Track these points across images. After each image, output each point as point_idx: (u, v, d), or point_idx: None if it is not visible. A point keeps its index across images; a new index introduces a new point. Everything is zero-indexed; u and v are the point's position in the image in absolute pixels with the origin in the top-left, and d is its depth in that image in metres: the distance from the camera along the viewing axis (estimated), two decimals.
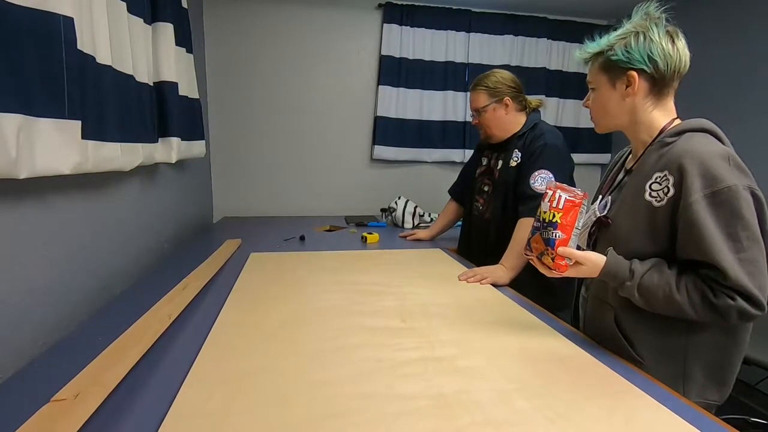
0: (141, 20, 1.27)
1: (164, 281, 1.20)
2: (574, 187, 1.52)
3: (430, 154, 2.78)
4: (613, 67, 0.89)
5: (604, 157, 3.02)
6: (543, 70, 2.82)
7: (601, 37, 0.93)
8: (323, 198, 2.72)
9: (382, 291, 1.20)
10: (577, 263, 0.84)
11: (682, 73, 0.86)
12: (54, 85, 0.79)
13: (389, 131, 2.67)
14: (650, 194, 0.83)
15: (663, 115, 0.89)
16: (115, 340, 0.82)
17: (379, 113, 2.65)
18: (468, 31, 2.70)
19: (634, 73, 0.86)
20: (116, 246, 1.26)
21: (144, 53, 1.29)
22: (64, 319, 0.97)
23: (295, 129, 2.63)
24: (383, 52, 2.60)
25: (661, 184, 0.81)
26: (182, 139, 1.60)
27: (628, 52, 0.85)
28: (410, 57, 2.64)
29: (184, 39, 1.65)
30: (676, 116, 0.90)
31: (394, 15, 2.57)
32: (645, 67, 0.85)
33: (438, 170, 2.84)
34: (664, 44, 0.84)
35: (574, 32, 2.84)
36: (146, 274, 1.36)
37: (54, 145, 0.79)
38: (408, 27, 2.61)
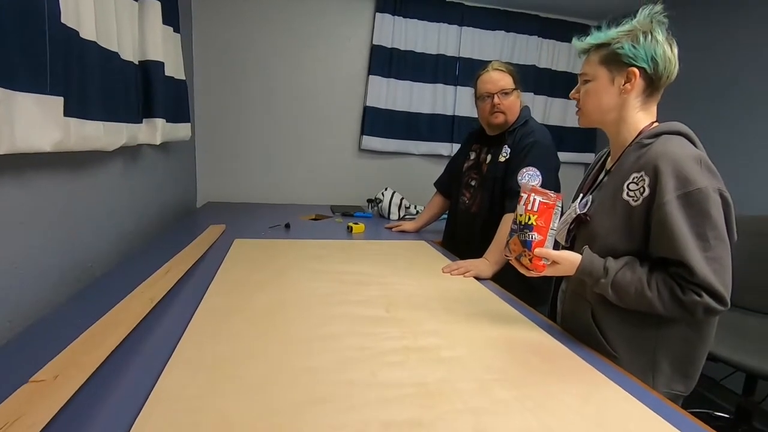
0: None
1: (146, 264, 1.19)
2: (559, 185, 1.55)
3: (418, 147, 2.78)
4: (616, 61, 0.89)
5: (588, 157, 3.07)
6: (532, 68, 2.84)
7: (599, 31, 0.93)
8: (309, 186, 2.70)
9: (367, 281, 1.20)
10: (554, 262, 0.87)
11: (671, 80, 0.89)
12: (36, 59, 0.76)
13: (378, 122, 2.66)
14: (627, 194, 0.86)
15: (645, 117, 0.91)
16: (94, 322, 0.81)
17: (369, 103, 2.63)
18: (460, 25, 2.70)
19: (636, 70, 0.87)
20: (97, 227, 1.23)
21: (130, 30, 1.26)
22: (41, 300, 0.95)
23: (283, 115, 2.59)
24: (375, 42, 2.58)
25: (637, 184, 0.84)
26: (167, 121, 1.57)
27: (634, 47, 0.86)
28: (402, 48, 2.62)
29: (171, 18, 1.61)
30: (656, 120, 0.92)
31: (387, 4, 2.55)
32: (646, 66, 0.87)
33: (425, 163, 2.85)
34: (665, 47, 0.86)
35: (565, 31, 2.86)
36: (127, 257, 1.33)
37: (35, 121, 0.76)
38: (401, 17, 2.59)
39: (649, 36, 0.86)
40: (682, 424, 0.63)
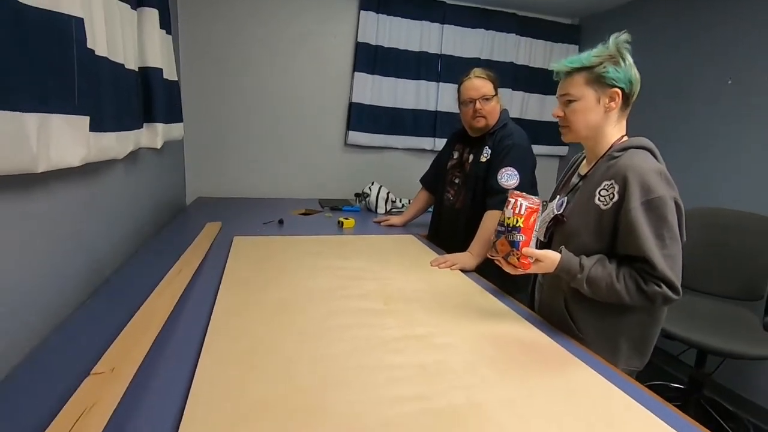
0: (128, 6, 1.28)
1: (149, 262, 1.28)
2: (536, 182, 1.68)
3: (402, 141, 2.88)
4: (600, 83, 1.00)
5: (563, 149, 3.24)
6: (511, 65, 2.96)
7: (577, 53, 1.05)
8: (297, 180, 2.77)
9: (364, 276, 1.31)
10: (537, 260, 0.99)
11: (636, 97, 1.02)
12: (67, 83, 0.82)
13: (363, 117, 2.74)
14: (599, 199, 0.99)
15: (617, 131, 1.05)
16: (118, 319, 0.90)
17: (354, 99, 2.71)
18: (442, 23, 2.78)
19: (619, 91, 1.00)
20: (104, 230, 1.30)
21: (131, 39, 1.31)
22: (66, 301, 1.03)
23: (270, 110, 2.64)
24: (359, 39, 2.65)
25: (608, 191, 0.97)
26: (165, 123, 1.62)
27: (617, 71, 0.98)
28: (385, 45, 2.70)
29: (165, 21, 1.64)
30: (625, 133, 1.06)
31: (370, 3, 2.61)
32: (625, 87, 0.99)
33: (408, 157, 2.96)
34: (635, 70, 0.99)
35: (541, 29, 2.99)
36: (131, 257, 1.40)
37: (66, 140, 0.83)
38: (384, 15, 2.66)
39: (627, 60, 0.99)
40: (636, 395, 0.77)
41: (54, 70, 0.79)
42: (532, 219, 0.97)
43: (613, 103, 1.01)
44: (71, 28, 0.81)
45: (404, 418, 0.66)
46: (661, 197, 0.91)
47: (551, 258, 0.99)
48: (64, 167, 0.85)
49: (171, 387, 0.70)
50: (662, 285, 0.91)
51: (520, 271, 1.00)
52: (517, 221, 0.96)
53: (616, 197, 0.96)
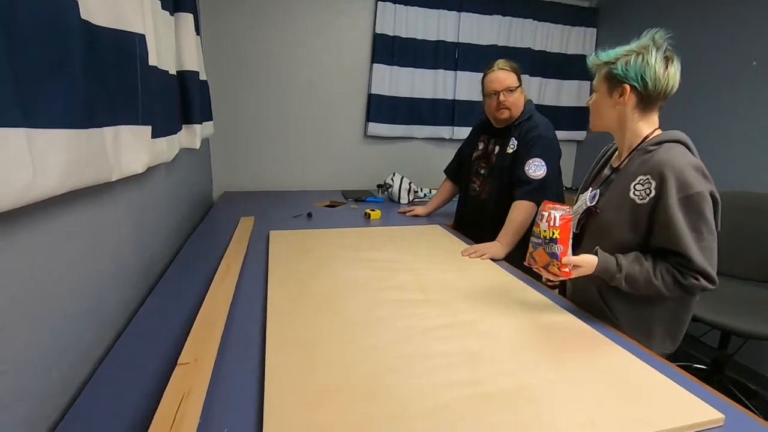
0: (168, 13, 1.33)
1: (194, 258, 1.36)
2: (560, 172, 1.71)
3: (421, 131, 2.91)
4: (613, 78, 1.05)
5: (581, 134, 3.23)
6: (528, 51, 2.96)
7: (606, 49, 1.08)
8: (319, 172, 2.83)
9: (398, 267, 1.37)
10: (576, 266, 1.00)
11: (669, 94, 1.03)
12: (132, 96, 0.89)
13: (383, 108, 2.77)
14: (634, 193, 1.02)
15: (647, 126, 1.07)
16: (178, 313, 0.99)
17: (373, 91, 2.74)
18: (459, 11, 2.78)
19: (627, 87, 1.03)
20: (154, 229, 1.37)
21: (171, 45, 1.36)
22: (132, 297, 1.11)
23: (290, 104, 2.69)
24: (377, 31, 2.67)
25: (644, 186, 1.00)
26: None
27: (626, 68, 1.02)
28: (403, 36, 2.71)
29: (196, 23, 1.69)
30: (657, 127, 1.08)
31: None
32: (636, 84, 1.02)
33: (428, 146, 2.99)
34: (657, 68, 1.00)
35: (558, 13, 2.97)
36: (176, 253, 1.48)
37: (133, 149, 0.90)
38: (402, 5, 2.67)
39: (641, 58, 1.00)
40: (672, 375, 0.83)
41: (122, 85, 0.85)
42: (567, 228, 0.97)
43: (622, 98, 1.04)
44: (135, 44, 0.87)
45: (459, 402, 0.73)
46: (699, 193, 0.94)
47: (589, 262, 1.00)
48: (131, 174, 0.92)
49: (244, 373, 0.78)
50: (700, 278, 0.95)
51: (560, 279, 1.00)
52: (554, 233, 0.96)
53: (653, 192, 0.98)
